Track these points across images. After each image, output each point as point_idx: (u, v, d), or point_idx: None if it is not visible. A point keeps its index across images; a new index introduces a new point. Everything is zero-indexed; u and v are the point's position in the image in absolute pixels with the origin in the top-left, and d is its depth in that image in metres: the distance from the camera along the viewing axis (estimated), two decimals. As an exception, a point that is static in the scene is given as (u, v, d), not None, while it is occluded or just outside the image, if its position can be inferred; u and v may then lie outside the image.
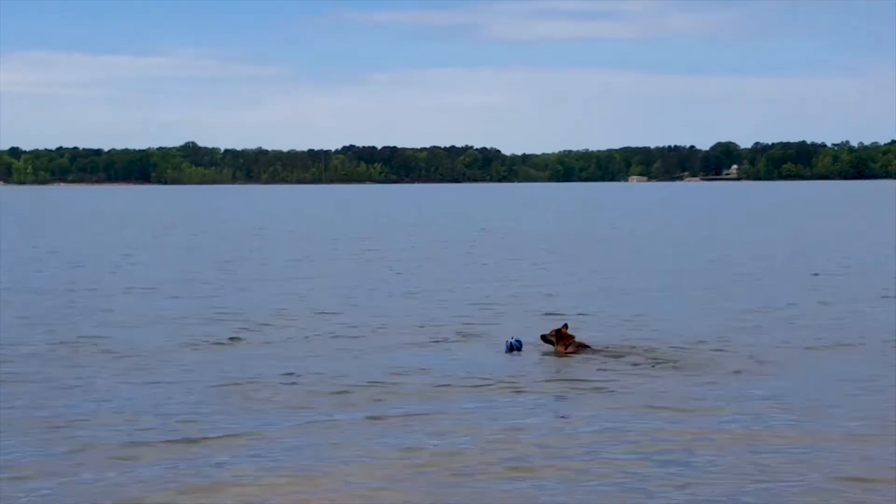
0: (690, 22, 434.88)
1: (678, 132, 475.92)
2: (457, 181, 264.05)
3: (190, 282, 26.37)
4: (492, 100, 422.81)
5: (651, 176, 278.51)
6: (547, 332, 15.24)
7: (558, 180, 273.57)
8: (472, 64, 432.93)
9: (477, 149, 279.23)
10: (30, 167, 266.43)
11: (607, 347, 15.18)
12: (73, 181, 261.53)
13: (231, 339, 16.87)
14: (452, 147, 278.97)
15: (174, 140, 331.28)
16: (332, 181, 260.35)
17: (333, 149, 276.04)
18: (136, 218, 73.64)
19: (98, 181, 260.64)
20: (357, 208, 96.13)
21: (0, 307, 21.20)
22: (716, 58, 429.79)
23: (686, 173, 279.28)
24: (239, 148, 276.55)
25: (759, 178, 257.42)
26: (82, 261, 34.07)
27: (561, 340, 14.80)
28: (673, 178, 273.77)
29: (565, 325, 15.30)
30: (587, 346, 14.83)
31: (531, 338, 15.58)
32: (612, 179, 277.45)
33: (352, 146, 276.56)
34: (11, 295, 23.61)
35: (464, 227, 58.04)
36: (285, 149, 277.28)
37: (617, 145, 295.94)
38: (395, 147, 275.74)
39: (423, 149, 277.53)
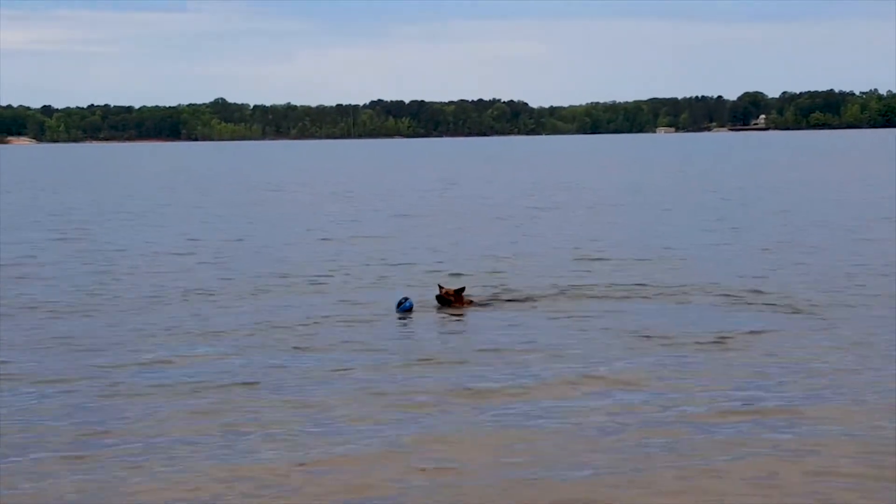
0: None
1: (705, 82, 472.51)
2: (484, 135, 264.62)
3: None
4: (519, 52, 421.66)
5: (678, 127, 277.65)
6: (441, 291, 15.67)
7: (585, 132, 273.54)
8: (499, 16, 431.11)
9: (504, 102, 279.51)
10: (62, 125, 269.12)
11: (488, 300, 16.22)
12: (104, 139, 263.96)
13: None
14: (480, 100, 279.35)
15: (204, 96, 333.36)
16: (360, 136, 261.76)
17: (361, 103, 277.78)
18: (205, 176, 74.48)
19: (129, 138, 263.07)
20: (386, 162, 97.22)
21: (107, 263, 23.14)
22: (743, 5, 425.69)
23: (714, 124, 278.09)
24: (268, 104, 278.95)
25: (787, 128, 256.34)
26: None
27: (459, 299, 15.46)
28: (700, 129, 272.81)
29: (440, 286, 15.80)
30: (471, 301, 15.69)
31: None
32: (639, 131, 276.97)
33: (379, 101, 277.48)
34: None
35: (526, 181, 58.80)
36: (314, 104, 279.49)
37: (644, 96, 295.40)
38: (422, 101, 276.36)
39: (451, 102, 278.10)
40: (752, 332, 13.70)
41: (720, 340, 13.28)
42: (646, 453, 9.01)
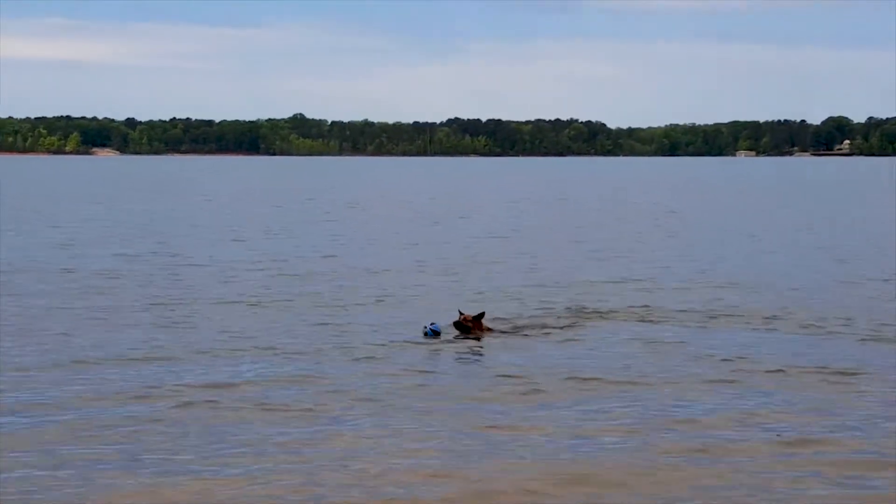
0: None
1: (788, 106, 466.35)
2: (561, 155, 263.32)
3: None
4: (598, 72, 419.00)
5: (759, 151, 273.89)
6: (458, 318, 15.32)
7: (664, 154, 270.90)
8: (577, 35, 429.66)
9: (582, 122, 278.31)
10: (145, 138, 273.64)
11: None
12: (185, 151, 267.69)
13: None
14: (557, 120, 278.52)
15: (283, 112, 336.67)
16: (436, 154, 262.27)
17: (438, 121, 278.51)
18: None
19: (209, 152, 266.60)
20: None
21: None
22: (828, 29, 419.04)
23: (796, 148, 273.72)
24: (346, 120, 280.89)
25: (872, 154, 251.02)
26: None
27: (478, 325, 15.14)
28: (782, 153, 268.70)
29: (463, 316, 15.40)
30: (490, 329, 15.37)
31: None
32: (719, 154, 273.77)
33: (456, 119, 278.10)
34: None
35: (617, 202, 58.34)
36: (391, 121, 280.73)
37: (725, 119, 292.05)
38: (499, 120, 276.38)
39: (528, 122, 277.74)
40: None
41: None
42: None
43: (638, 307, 17.56)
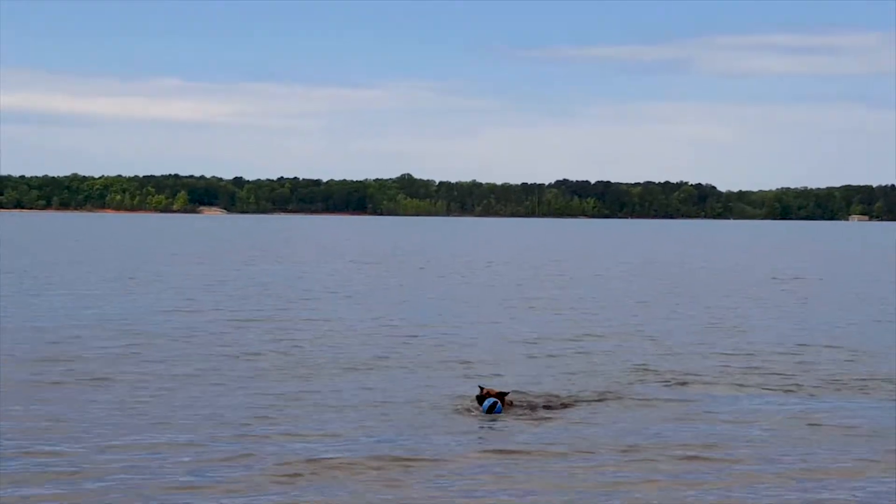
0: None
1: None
2: (670, 217, 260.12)
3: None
4: (707, 135, 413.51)
5: (872, 215, 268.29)
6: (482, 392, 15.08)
7: (775, 218, 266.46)
8: (686, 98, 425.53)
9: (692, 184, 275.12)
10: (252, 196, 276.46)
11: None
12: (292, 210, 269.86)
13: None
14: (667, 182, 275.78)
15: (390, 172, 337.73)
16: (544, 215, 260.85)
17: (546, 182, 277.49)
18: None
19: (316, 211, 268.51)
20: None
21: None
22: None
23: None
24: (453, 180, 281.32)
25: None
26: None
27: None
28: (895, 218, 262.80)
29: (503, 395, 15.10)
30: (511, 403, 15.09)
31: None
32: (831, 218, 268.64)
33: (565, 180, 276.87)
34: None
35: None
36: (499, 182, 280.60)
37: (837, 183, 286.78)
38: (608, 182, 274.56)
39: (637, 184, 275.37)
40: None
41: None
42: None
43: (757, 372, 17.57)
